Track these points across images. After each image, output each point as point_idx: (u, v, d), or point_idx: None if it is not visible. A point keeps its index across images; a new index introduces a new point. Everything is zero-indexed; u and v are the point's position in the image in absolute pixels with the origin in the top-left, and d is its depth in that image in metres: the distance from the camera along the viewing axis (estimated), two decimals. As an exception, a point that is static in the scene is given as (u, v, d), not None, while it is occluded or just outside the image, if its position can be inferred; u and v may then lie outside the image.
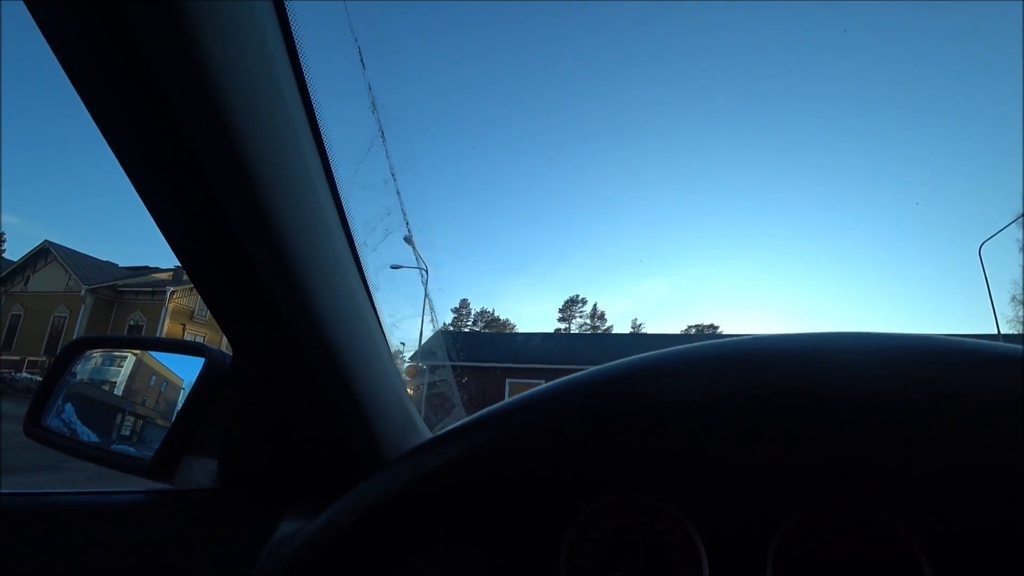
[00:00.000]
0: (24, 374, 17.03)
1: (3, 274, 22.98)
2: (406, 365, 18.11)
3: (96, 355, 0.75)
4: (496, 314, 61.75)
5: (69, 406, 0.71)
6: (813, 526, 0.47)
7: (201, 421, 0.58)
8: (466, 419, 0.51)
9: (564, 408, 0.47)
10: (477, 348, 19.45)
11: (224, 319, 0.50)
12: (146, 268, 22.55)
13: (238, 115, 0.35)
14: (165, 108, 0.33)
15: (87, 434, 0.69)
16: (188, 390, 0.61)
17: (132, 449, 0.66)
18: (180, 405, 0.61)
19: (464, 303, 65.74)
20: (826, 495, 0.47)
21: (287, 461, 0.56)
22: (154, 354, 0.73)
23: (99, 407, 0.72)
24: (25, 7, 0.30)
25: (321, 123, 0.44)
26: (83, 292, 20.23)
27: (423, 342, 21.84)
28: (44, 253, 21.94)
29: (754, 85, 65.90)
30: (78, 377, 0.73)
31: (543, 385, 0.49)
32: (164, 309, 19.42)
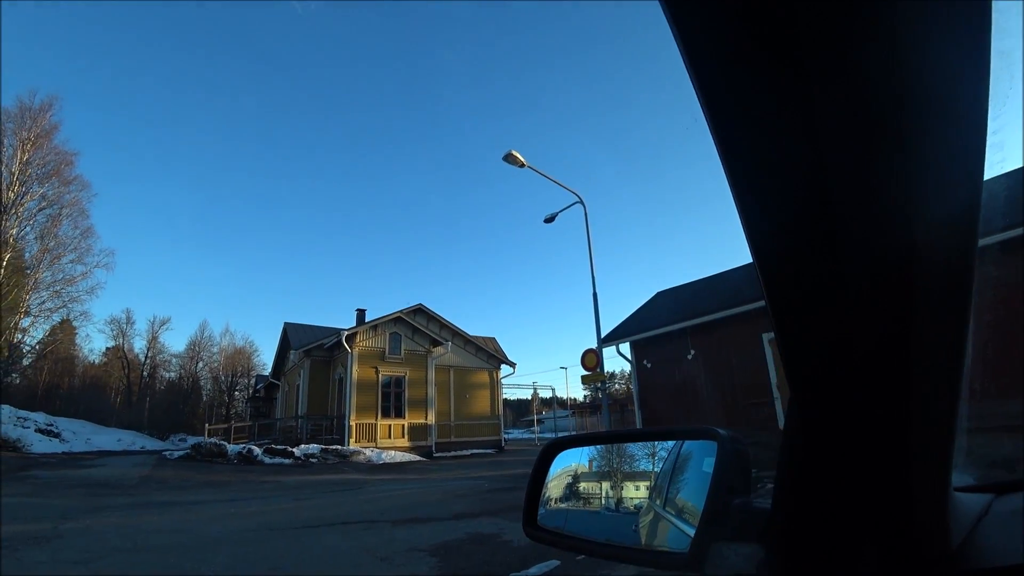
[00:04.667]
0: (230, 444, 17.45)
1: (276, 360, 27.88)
2: (584, 351, 12.99)
3: (575, 453, 0.83)
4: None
5: (560, 505, 0.80)
6: None
7: (726, 507, 0.55)
8: None
9: None
10: (705, 299, 13.56)
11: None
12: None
13: None
14: None
15: (586, 530, 0.75)
16: (663, 472, 0.69)
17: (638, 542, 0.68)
18: (664, 490, 0.67)
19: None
20: None
21: (851, 545, 0.49)
22: (637, 445, 0.78)
23: (591, 503, 0.77)
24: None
25: None
26: (298, 358, 22.05)
27: (626, 317, 16.44)
28: (286, 333, 25.30)
29: None
30: (558, 477, 0.82)
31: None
32: (349, 355, 19.21)
